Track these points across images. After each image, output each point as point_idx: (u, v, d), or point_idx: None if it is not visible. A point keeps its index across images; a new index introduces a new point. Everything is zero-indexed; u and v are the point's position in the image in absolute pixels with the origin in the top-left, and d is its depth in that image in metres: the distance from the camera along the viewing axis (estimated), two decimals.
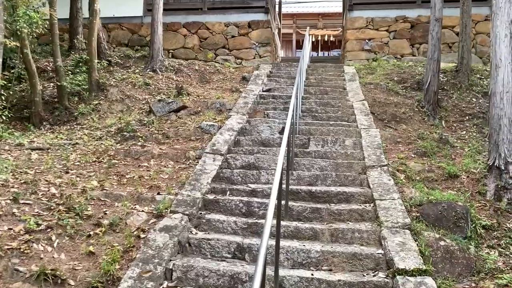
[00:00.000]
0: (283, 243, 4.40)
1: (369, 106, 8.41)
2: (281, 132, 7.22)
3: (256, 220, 4.93)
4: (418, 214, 5.15)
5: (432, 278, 4.01)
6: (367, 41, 13.70)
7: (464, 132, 8.62)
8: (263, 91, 9.16)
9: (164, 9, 14.43)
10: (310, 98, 8.82)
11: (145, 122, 8.00)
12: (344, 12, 15.51)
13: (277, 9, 18.19)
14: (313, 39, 21.53)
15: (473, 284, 4.44)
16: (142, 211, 4.96)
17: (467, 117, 9.14)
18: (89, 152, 6.74)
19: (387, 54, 13.39)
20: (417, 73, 10.40)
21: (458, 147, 7.65)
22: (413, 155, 7.14)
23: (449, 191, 5.89)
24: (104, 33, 14.47)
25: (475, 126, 8.82)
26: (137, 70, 10.49)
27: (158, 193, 5.39)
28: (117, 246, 4.29)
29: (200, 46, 14.08)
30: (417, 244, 4.46)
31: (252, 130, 7.31)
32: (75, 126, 8.42)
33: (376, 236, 4.66)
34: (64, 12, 12.43)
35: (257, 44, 13.93)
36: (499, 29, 6.30)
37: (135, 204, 5.13)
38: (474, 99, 9.78)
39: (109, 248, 4.24)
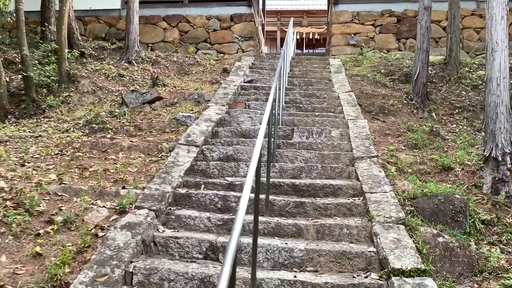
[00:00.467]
0: (262, 241, 3.83)
1: (356, 98, 7.89)
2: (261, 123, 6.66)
3: (233, 216, 4.33)
4: (412, 208, 4.61)
5: (432, 279, 3.48)
6: (352, 35, 13.24)
7: (455, 125, 8.16)
8: (244, 82, 8.58)
9: (142, 2, 13.82)
10: (294, 89, 8.27)
11: (117, 113, 7.36)
12: (329, 6, 15.04)
13: (261, 6, 17.66)
14: (298, 37, 21.06)
15: (476, 285, 3.92)
16: (103, 206, 4.33)
17: (456, 110, 8.68)
18: (51, 145, 6.08)
19: (373, 49, 12.94)
20: (405, 66, 9.94)
21: (449, 140, 7.17)
22: (403, 147, 6.64)
23: (443, 184, 5.37)
24: (81, 26, 13.82)
25: (465, 120, 8.37)
26: (111, 62, 9.83)
27: (123, 187, 4.77)
28: (70, 246, 3.67)
29: (181, 40, 13.47)
30: (414, 241, 3.93)
31: (231, 121, 6.72)
32: (42, 119, 7.74)
33: (367, 232, 4.12)
34: (38, 3, 11.73)
35: (239, 38, 13.38)
36: (495, 11, 5.83)
37: (96, 199, 4.50)
38: (463, 92, 9.34)
39: (59, 249, 3.61)
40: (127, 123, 7.06)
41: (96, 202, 4.43)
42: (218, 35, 13.42)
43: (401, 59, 10.46)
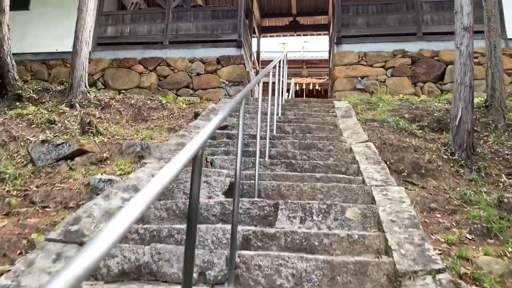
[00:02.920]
0: None
1: (377, 151, 4.94)
2: (228, 192, 3.68)
3: None
4: None
5: None
6: (359, 79, 10.50)
7: None
8: (220, 128, 5.71)
9: (117, 43, 11.35)
10: (286, 138, 5.34)
11: (7, 175, 4.43)
12: (331, 47, 12.47)
13: (255, 53, 15.19)
14: (297, 88, 18.49)
15: None
16: None
17: None
18: None
19: (385, 94, 10.15)
20: (435, 109, 7.05)
21: None
22: (469, 236, 3.60)
23: None
24: (44, 71, 11.27)
25: None
26: (49, 105, 7.04)
27: None
28: None
29: (159, 86, 10.80)
30: None
31: (173, 190, 3.75)
32: None
33: None
34: None
35: (227, 82, 10.68)
36: None
37: None
38: None
39: None
40: (14, 192, 4.11)
41: None
42: (202, 80, 10.75)
43: (428, 101, 7.58)
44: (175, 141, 4.84)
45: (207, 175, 3.97)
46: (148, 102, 7.34)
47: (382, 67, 10.56)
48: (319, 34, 15.67)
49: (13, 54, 11.43)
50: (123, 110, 6.95)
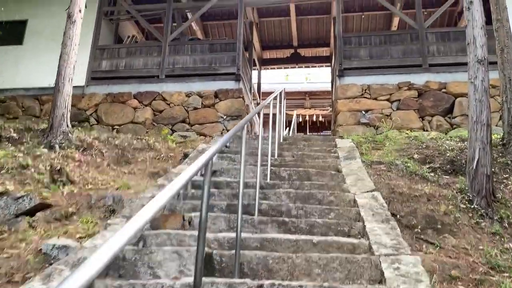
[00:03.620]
0: None
1: (385, 202, 4.20)
2: (206, 265, 2.94)
3: None
4: None
5: None
6: (363, 112, 9.84)
7: None
8: (201, 174, 5.02)
9: (112, 78, 10.85)
10: (280, 187, 4.63)
11: None
12: (333, 79, 11.90)
13: (255, 85, 14.67)
14: (300, 120, 17.88)
15: None
16: None
17: None
18: None
19: (391, 129, 9.46)
20: (447, 148, 6.32)
21: None
22: None
23: None
24: (36, 107, 10.76)
25: None
26: (26, 146, 6.41)
27: None
28: None
29: (154, 121, 10.21)
30: None
31: (136, 264, 3.02)
32: None
33: None
34: None
35: (225, 117, 10.08)
36: None
37: None
38: None
39: None
40: None
41: None
42: (199, 114, 10.16)
43: (439, 139, 6.85)
44: (150, 194, 4.14)
45: (181, 240, 3.25)
46: (134, 142, 6.69)
47: (387, 100, 9.91)
48: (321, 66, 15.16)
49: (5, 89, 11.02)
50: (106, 151, 6.29)
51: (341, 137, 7.43)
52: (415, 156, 6.08)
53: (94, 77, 10.87)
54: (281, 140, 6.72)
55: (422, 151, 6.24)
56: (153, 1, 13.14)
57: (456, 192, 5.11)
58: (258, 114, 5.78)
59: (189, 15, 12.08)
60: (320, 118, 17.87)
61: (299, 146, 6.62)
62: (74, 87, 10.73)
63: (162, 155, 6.32)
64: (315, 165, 5.33)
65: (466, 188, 5.20)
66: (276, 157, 5.68)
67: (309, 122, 18.21)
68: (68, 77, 6.53)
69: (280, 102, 6.83)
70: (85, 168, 5.66)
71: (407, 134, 7.25)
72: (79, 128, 7.99)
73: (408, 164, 5.69)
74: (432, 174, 5.66)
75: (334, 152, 6.19)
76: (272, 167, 5.04)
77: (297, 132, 16.67)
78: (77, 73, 10.80)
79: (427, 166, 5.85)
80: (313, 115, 17.94)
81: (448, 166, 5.88)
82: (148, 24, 11.31)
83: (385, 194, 4.47)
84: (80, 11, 6.75)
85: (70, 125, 6.64)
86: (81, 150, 6.37)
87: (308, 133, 18.53)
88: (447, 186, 5.29)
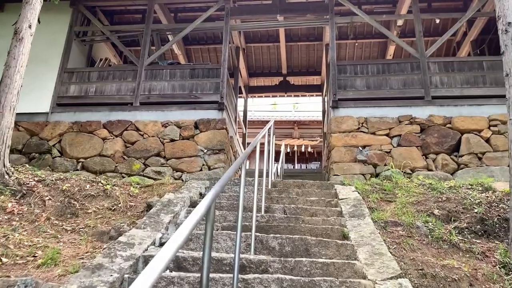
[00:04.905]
0: None
1: None
2: None
3: None
4: None
5: None
6: (360, 148, 8.60)
7: None
8: (161, 243, 3.59)
9: (80, 104, 9.46)
10: (269, 267, 3.25)
11: None
12: (325, 111, 10.70)
13: (241, 113, 13.40)
14: (289, 150, 16.60)
15: None
16: None
17: None
18: None
19: (391, 168, 8.23)
20: (472, 202, 5.04)
21: None
22: None
23: None
24: None
25: None
26: None
27: None
28: None
29: (125, 153, 8.80)
30: None
31: None
32: None
33: None
34: None
35: (205, 150, 8.72)
36: None
37: None
38: None
39: None
40: None
41: None
42: (177, 147, 8.79)
43: (459, 188, 5.56)
44: (77, 285, 2.73)
45: None
46: (87, 186, 5.25)
47: (387, 135, 8.70)
48: (312, 95, 14.01)
49: None
50: (50, 199, 4.86)
51: (343, 184, 6.08)
52: (436, 211, 4.78)
53: (60, 103, 9.47)
54: (270, 187, 5.38)
55: (442, 204, 4.95)
56: (131, 22, 11.96)
57: (499, 268, 3.80)
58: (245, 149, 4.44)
59: (171, 38, 10.86)
60: (309, 149, 16.63)
61: (292, 195, 5.28)
62: (36, 113, 9.44)
63: (119, 205, 4.90)
64: (314, 228, 3.96)
65: (508, 259, 3.91)
66: (263, 213, 4.33)
67: (297, 152, 16.95)
68: (9, 105, 5.15)
69: (269, 141, 5.52)
70: (15, 224, 4.22)
71: (419, 180, 5.96)
72: (27, 166, 6.55)
73: (430, 224, 4.38)
74: (460, 236, 4.35)
75: (335, 204, 4.85)
76: (258, 233, 3.68)
77: (285, 162, 15.37)
78: (40, 98, 9.48)
79: (452, 226, 4.54)
80: (301, 145, 16.70)
81: (478, 226, 4.58)
82: (123, 46, 10.03)
83: (414, 280, 3.12)
84: (30, 26, 5.43)
85: (8, 165, 5.21)
86: (19, 196, 4.93)
87: (296, 164, 17.27)
88: (484, 257, 3.98)
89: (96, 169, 8.57)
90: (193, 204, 4.70)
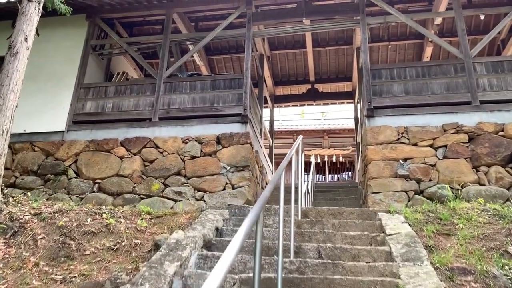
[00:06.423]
0: None
1: None
2: None
3: None
4: None
5: None
6: (401, 162, 7.51)
7: None
8: None
9: (96, 121, 8.82)
10: None
11: None
12: (359, 120, 9.65)
13: (267, 124, 12.50)
14: (319, 160, 15.55)
15: None
16: None
17: None
18: None
19: (437, 183, 7.12)
20: None
21: None
22: None
23: None
24: (8, 157, 8.70)
25: None
26: None
27: None
28: None
29: (143, 173, 8.06)
30: None
31: None
32: None
33: None
34: None
35: (228, 167, 7.87)
36: None
37: None
38: None
39: None
40: None
41: None
42: (198, 164, 7.97)
43: None
44: None
45: None
46: (88, 220, 4.46)
47: (430, 146, 7.58)
48: (342, 103, 12.96)
49: None
50: (43, 237, 4.10)
51: (388, 212, 5.03)
52: (510, 249, 3.69)
53: (76, 120, 8.87)
54: (300, 217, 4.44)
55: None
56: (151, 34, 11.34)
57: None
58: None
59: (191, 48, 10.13)
60: (341, 159, 15.51)
61: (326, 229, 4.30)
62: (52, 132, 8.87)
63: (123, 243, 4.08)
64: (359, 282, 2.99)
65: None
66: (292, 257, 3.40)
67: (328, 163, 15.87)
68: (1, 129, 4.44)
69: (297, 168, 4.60)
70: None
71: (480, 204, 4.85)
72: (29, 194, 5.87)
73: (507, 270, 3.31)
74: None
75: (381, 242, 3.86)
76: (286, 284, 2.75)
77: (316, 173, 14.32)
78: (56, 117, 8.91)
79: None
80: (332, 155, 15.61)
81: None
82: (140, 58, 9.37)
83: None
84: (26, 39, 4.75)
85: (1, 197, 4.49)
86: (9, 235, 4.19)
87: (328, 175, 16.18)
88: None
89: (113, 191, 7.88)
90: (207, 244, 3.81)
